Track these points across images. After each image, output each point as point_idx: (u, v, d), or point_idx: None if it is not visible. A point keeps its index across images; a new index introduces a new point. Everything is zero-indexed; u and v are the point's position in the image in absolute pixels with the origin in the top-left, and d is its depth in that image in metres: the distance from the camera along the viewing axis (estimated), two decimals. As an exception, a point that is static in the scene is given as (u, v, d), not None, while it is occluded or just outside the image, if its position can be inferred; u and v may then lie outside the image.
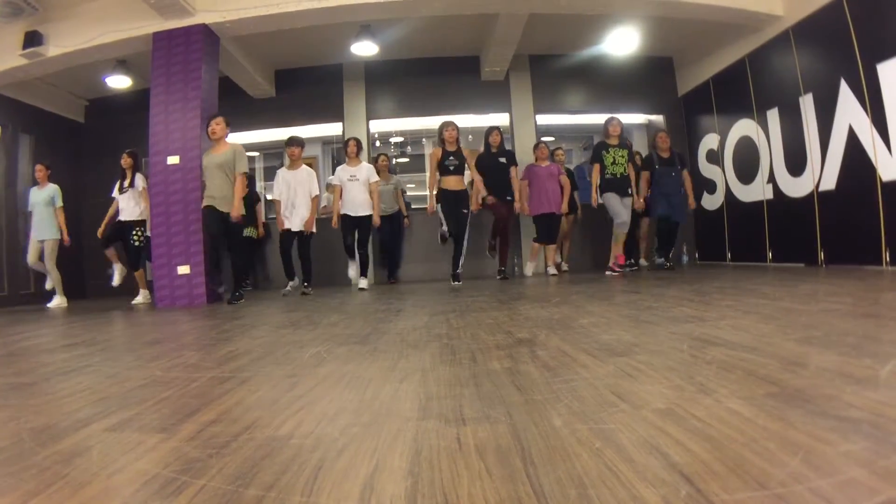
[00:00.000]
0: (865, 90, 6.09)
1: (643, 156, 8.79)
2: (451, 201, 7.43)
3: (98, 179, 9.31)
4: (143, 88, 8.46)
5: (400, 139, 11.95)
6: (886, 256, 5.97)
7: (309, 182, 7.47)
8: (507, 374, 1.93)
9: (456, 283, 7.43)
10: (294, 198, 7.39)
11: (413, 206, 10.91)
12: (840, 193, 6.61)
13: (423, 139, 11.82)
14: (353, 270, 7.84)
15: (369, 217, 7.62)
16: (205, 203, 6.51)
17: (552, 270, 8.68)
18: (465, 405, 1.55)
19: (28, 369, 2.72)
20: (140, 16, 7.34)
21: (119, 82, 9.20)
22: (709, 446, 1.11)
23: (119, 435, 1.48)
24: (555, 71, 10.33)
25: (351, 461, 1.18)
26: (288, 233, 7.41)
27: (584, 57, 10.09)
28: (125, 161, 7.79)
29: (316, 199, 7.53)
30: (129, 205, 7.84)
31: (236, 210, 6.39)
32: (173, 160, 7.20)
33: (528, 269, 8.91)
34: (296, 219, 7.39)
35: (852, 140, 6.33)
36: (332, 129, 10.61)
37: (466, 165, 7.56)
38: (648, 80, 10.41)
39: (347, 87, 10.37)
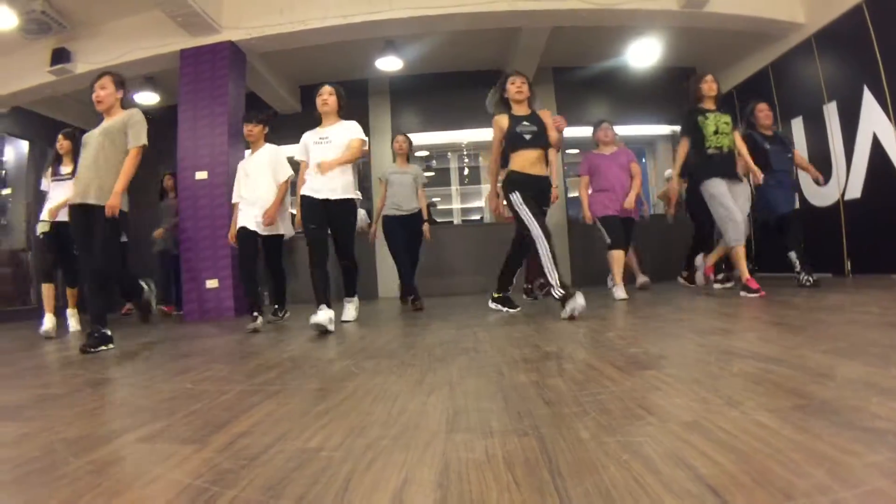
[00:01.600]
0: (888, 97, 6.05)
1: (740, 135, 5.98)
2: (532, 190, 4.75)
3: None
4: (171, 105, 8.58)
5: (425, 153, 11.99)
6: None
7: (272, 165, 5.47)
8: (534, 387, 1.93)
9: (571, 309, 4.16)
10: (253, 190, 5.41)
11: (439, 221, 10.91)
12: (866, 202, 6.54)
13: (448, 153, 11.85)
14: (350, 311, 5.29)
15: (345, 204, 4.82)
16: (73, 200, 4.36)
17: (642, 279, 7.03)
18: (493, 418, 1.56)
19: (58, 381, 2.77)
20: (167, 33, 7.46)
21: (147, 99, 9.33)
22: (735, 458, 1.11)
23: (151, 446, 1.52)
24: (578, 83, 10.31)
25: (380, 473, 1.19)
26: (245, 234, 5.36)
27: (607, 68, 10.07)
28: (62, 144, 6.04)
29: (284, 187, 5.46)
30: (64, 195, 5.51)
31: (115, 200, 4.21)
32: (201, 175, 7.30)
33: (619, 290, 5.91)
34: (254, 215, 5.37)
35: (877, 148, 6.28)
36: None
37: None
38: (671, 90, 10.32)
39: (373, 102, 10.44)
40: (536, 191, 4.75)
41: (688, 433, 1.30)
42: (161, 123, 9.19)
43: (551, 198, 5.16)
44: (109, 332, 4.18)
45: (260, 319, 5.10)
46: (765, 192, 5.92)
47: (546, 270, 4.47)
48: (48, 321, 5.56)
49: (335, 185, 4.70)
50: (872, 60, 6.22)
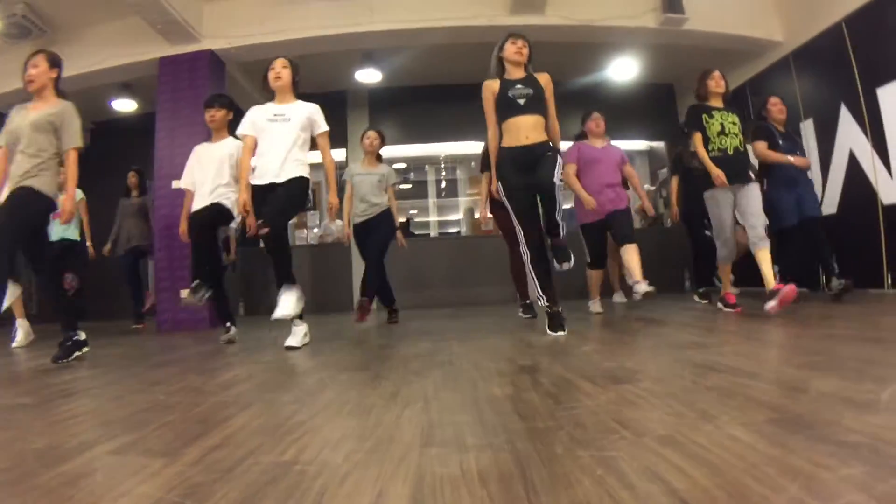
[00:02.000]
0: (865, 114, 6.15)
1: (751, 127, 5.74)
2: (524, 166, 4.10)
3: (101, 202, 9.28)
4: (149, 112, 8.51)
5: (403, 165, 12.02)
6: (888, 279, 5.99)
7: (232, 161, 4.90)
8: (509, 401, 1.93)
9: (558, 331, 3.90)
10: (204, 183, 4.96)
11: (416, 233, 10.88)
12: (842, 218, 6.63)
13: (426, 166, 11.89)
14: (286, 304, 4.03)
15: (296, 183, 4.14)
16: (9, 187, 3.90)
17: (642, 288, 5.10)
18: (468, 432, 1.56)
19: (31, 390, 2.74)
20: (147, 40, 7.42)
21: (125, 106, 9.27)
22: (709, 472, 1.11)
23: (123, 458, 1.49)
24: (557, 98, 10.31)
25: (354, 488, 1.18)
26: (200, 236, 4.85)
27: (586, 84, 10.12)
28: None
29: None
30: None
31: (70, 205, 3.99)
32: (178, 184, 7.24)
33: (595, 304, 5.83)
34: (202, 206, 4.93)
35: (853, 164, 6.38)
36: (335, 155, 10.33)
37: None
38: (649, 106, 10.45)
39: (351, 113, 10.43)
40: (530, 164, 4.07)
41: (662, 447, 1.30)
42: (137, 130, 9.17)
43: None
44: (82, 336, 3.96)
45: (234, 330, 4.88)
46: (772, 198, 5.41)
47: (529, 282, 4.23)
48: (20, 332, 5.29)
49: (282, 168, 4.09)
50: (850, 78, 6.32)
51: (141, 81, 8.44)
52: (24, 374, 3.49)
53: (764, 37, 7.84)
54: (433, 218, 12.00)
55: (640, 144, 11.18)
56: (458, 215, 12.03)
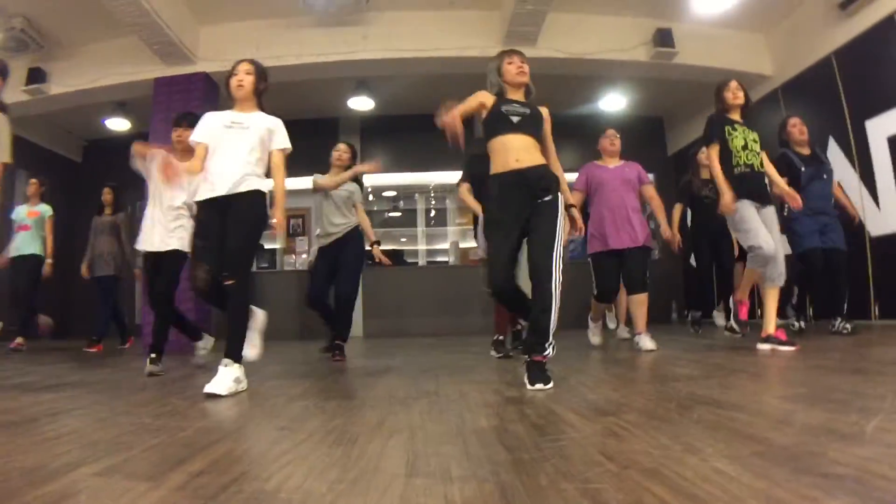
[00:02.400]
0: (854, 147, 6.24)
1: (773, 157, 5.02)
2: (515, 195, 3.27)
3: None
4: (142, 132, 8.52)
5: (393, 193, 12.06)
6: (875, 310, 6.03)
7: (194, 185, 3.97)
8: (494, 432, 1.93)
9: (535, 381, 2.86)
10: (161, 199, 4.59)
11: (408, 262, 10.87)
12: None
13: (416, 195, 11.91)
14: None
15: (253, 203, 3.46)
16: None
17: (645, 343, 4.76)
18: (453, 463, 1.55)
19: (15, 409, 2.71)
20: (143, 60, 7.50)
21: (118, 125, 9.30)
22: (693, 506, 1.11)
23: (107, 481, 1.48)
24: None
25: (339, 517, 1.17)
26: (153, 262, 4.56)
27: (577, 116, 10.19)
28: None
29: None
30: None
31: None
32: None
33: (594, 335, 5.50)
34: (156, 237, 4.54)
35: (841, 197, 6.45)
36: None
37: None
38: (639, 139, 10.48)
39: (343, 140, 10.46)
40: (521, 193, 3.26)
41: (647, 480, 1.30)
42: (130, 150, 9.13)
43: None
44: None
45: (206, 338, 5.07)
46: (792, 221, 5.17)
47: None
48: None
49: (240, 181, 3.43)
50: (838, 111, 6.41)
51: (135, 101, 8.49)
52: (7, 391, 3.45)
53: (753, 71, 7.97)
54: (422, 247, 11.99)
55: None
56: (447, 244, 12.03)
